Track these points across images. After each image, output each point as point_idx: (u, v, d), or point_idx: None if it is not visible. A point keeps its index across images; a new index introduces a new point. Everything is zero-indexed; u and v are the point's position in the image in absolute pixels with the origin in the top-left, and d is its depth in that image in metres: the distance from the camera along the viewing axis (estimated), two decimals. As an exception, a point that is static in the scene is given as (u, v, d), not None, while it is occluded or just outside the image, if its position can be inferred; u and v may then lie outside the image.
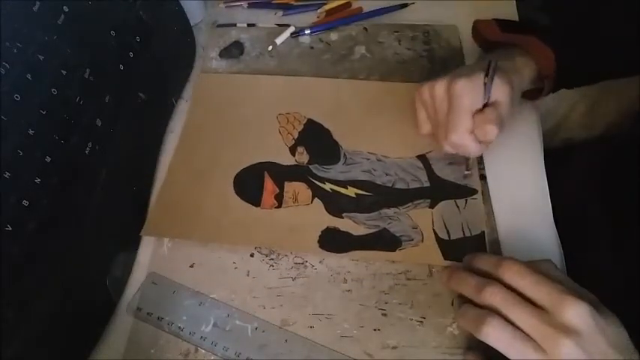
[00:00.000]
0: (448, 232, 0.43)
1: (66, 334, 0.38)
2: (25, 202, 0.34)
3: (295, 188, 0.46)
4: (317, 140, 0.49)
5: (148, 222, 0.45)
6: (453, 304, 0.40)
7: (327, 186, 0.46)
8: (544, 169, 0.46)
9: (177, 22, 0.53)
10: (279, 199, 0.45)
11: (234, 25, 0.58)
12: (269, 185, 0.46)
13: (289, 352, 0.39)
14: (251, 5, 0.60)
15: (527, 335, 0.31)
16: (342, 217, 0.44)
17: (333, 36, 0.57)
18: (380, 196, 0.45)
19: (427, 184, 0.46)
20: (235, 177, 0.47)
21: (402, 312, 0.40)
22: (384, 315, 0.40)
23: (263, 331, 0.40)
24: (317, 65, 0.55)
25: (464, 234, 0.43)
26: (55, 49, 0.37)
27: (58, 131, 0.37)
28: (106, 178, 0.42)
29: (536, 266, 0.34)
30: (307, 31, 0.57)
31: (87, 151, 0.40)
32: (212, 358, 0.39)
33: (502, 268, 0.34)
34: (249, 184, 0.46)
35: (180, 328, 0.40)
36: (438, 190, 0.45)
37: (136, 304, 0.41)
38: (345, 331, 0.40)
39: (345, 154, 0.48)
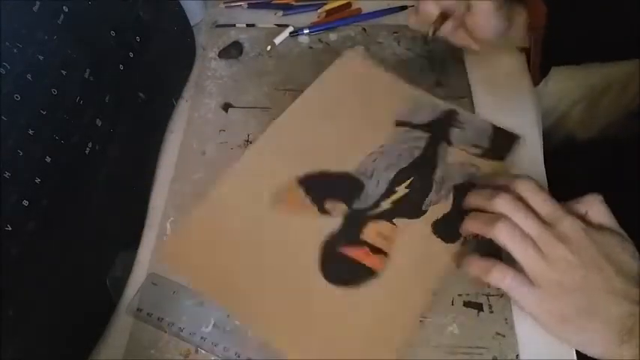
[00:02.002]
0: None
1: (66, 334, 0.38)
2: (25, 202, 0.34)
3: (377, 230, 0.43)
4: (329, 186, 0.45)
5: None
6: (453, 304, 0.40)
7: (388, 204, 0.44)
8: (544, 169, 0.46)
9: (177, 22, 0.53)
10: (379, 250, 0.42)
11: (234, 25, 0.58)
12: (356, 252, 0.42)
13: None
14: (251, 5, 0.60)
15: (531, 239, 0.35)
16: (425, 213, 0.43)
17: (332, 36, 0.57)
18: (417, 174, 0.45)
19: (428, 134, 0.48)
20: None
21: (402, 312, 0.40)
22: (385, 315, 0.40)
23: (263, 331, 0.40)
24: (316, 65, 0.55)
25: None
26: (55, 49, 0.37)
27: (58, 131, 0.37)
28: (106, 178, 0.42)
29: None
30: (306, 31, 0.57)
31: (87, 151, 0.40)
32: (212, 358, 0.39)
33: (518, 181, 0.38)
34: (338, 263, 0.42)
35: (180, 328, 0.40)
36: (438, 129, 0.48)
37: (136, 305, 0.41)
38: (345, 330, 0.40)
39: (357, 175, 0.46)
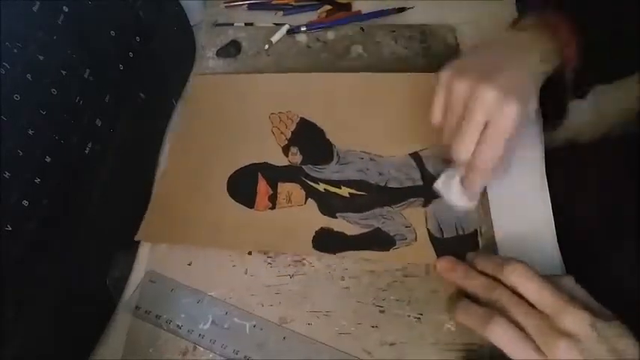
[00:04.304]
0: (442, 230, 0.43)
1: (66, 334, 0.39)
2: (25, 202, 0.35)
3: (289, 189, 0.46)
4: (310, 140, 0.49)
5: (143, 227, 0.45)
6: (449, 299, 0.40)
7: (321, 186, 0.46)
8: (544, 169, 0.46)
9: (177, 22, 0.53)
10: (273, 200, 0.46)
11: (232, 24, 0.59)
12: (262, 186, 0.46)
13: (288, 350, 0.39)
14: (251, 6, 0.60)
15: (529, 336, 0.32)
16: (336, 217, 0.44)
17: (330, 35, 0.57)
18: (373, 195, 0.45)
19: (420, 183, 0.46)
20: (229, 179, 0.47)
21: (399, 309, 0.40)
22: (382, 312, 0.40)
23: (261, 329, 0.40)
24: (314, 64, 0.55)
25: (457, 232, 0.43)
26: (55, 49, 0.37)
27: (58, 131, 0.38)
28: (106, 178, 0.43)
29: (553, 280, 0.34)
30: (303, 29, 0.57)
31: (87, 151, 0.41)
32: (210, 356, 0.39)
33: (507, 269, 0.34)
34: (242, 185, 0.47)
35: (178, 326, 0.40)
36: (431, 189, 0.45)
37: (134, 303, 0.42)
38: (343, 328, 0.40)
39: (338, 154, 0.48)
